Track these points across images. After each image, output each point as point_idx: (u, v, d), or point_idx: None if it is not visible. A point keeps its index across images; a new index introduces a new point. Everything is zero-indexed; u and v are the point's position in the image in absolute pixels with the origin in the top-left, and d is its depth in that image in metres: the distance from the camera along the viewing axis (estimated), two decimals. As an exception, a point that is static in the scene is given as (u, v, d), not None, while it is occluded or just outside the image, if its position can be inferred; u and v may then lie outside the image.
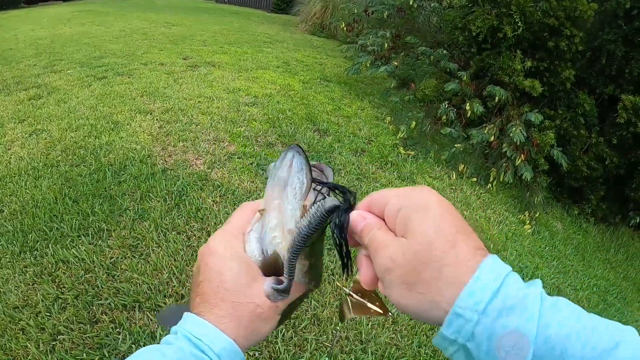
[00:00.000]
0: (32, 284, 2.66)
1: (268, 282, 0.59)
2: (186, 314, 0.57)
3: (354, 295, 0.58)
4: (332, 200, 0.56)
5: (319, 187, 0.63)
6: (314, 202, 0.59)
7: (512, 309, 0.42)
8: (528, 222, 5.29)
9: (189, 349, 0.52)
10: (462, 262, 0.45)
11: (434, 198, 0.50)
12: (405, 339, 2.68)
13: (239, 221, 0.64)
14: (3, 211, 3.33)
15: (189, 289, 2.69)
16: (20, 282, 2.67)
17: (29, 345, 2.26)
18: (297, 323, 2.60)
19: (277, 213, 0.60)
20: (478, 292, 0.43)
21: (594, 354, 0.40)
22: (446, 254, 0.45)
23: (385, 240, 0.50)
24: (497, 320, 0.42)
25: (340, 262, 0.60)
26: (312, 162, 0.63)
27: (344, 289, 0.60)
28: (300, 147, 0.61)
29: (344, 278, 0.60)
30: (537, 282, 0.47)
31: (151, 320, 2.47)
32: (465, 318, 0.43)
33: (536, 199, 5.61)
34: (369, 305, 0.58)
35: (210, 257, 0.60)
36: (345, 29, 9.81)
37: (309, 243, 0.55)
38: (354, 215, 0.55)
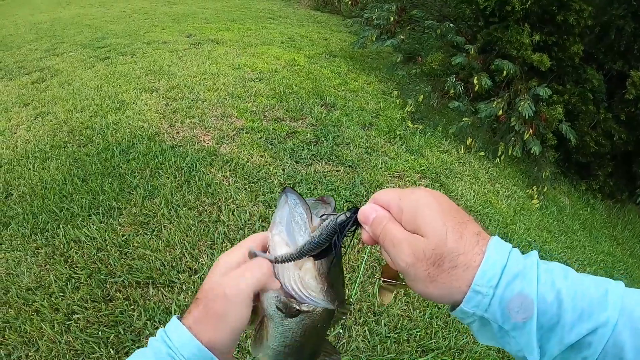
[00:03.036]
0: (45, 265, 2.65)
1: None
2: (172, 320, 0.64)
3: (388, 280, 0.67)
4: (341, 216, 0.61)
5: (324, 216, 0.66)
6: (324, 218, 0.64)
7: (516, 277, 0.50)
8: (536, 196, 5.24)
9: (165, 350, 0.61)
10: (470, 249, 0.52)
11: (432, 195, 0.57)
12: (417, 311, 2.67)
13: (242, 249, 0.68)
14: (12, 194, 3.31)
15: (202, 264, 2.68)
16: (33, 263, 2.65)
17: (43, 326, 2.25)
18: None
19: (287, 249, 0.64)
20: (490, 271, 0.51)
21: (583, 304, 0.49)
22: (458, 245, 0.52)
23: (401, 235, 0.56)
24: (506, 289, 0.50)
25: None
26: (315, 197, 0.70)
27: (380, 279, 0.67)
28: (291, 187, 0.66)
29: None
30: (533, 253, 0.54)
31: (165, 296, 2.45)
32: (482, 294, 0.51)
33: (544, 173, 5.55)
34: (401, 283, 0.65)
35: (217, 299, 0.63)
36: (349, 2, 9.66)
37: (315, 251, 0.61)
38: (365, 207, 0.60)
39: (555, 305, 0.49)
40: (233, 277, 0.63)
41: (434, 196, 0.56)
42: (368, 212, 0.60)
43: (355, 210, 0.61)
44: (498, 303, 0.50)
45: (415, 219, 0.55)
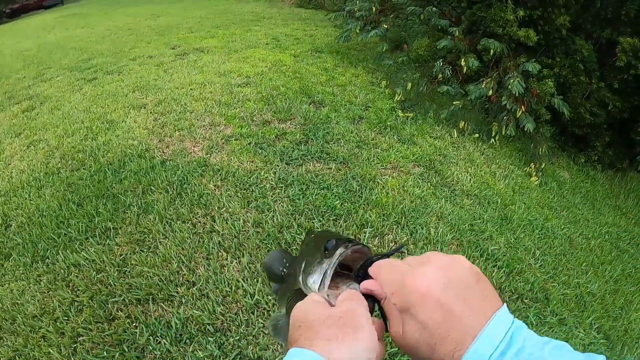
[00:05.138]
0: (48, 292, 2.69)
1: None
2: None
3: None
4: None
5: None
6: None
7: None
8: (534, 173, 5.23)
9: None
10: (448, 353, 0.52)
11: (418, 299, 0.55)
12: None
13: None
14: (11, 225, 3.35)
15: (199, 275, 2.71)
16: (36, 291, 2.70)
17: (51, 351, 2.29)
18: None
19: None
20: None
21: None
22: (438, 352, 0.53)
23: (390, 316, 0.59)
24: None
25: None
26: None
27: None
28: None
29: None
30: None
31: (166, 310, 2.48)
32: None
33: (541, 149, 5.52)
34: None
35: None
36: (331, -4, 9.67)
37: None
38: (367, 283, 0.64)
39: None
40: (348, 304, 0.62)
41: (422, 299, 0.55)
42: (367, 286, 0.63)
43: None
44: None
45: (403, 317, 0.57)
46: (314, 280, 0.66)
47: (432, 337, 0.53)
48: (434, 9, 6.46)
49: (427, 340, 0.54)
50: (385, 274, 0.61)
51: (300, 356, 0.52)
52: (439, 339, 0.53)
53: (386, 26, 6.70)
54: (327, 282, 0.65)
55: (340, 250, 0.66)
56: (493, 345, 0.50)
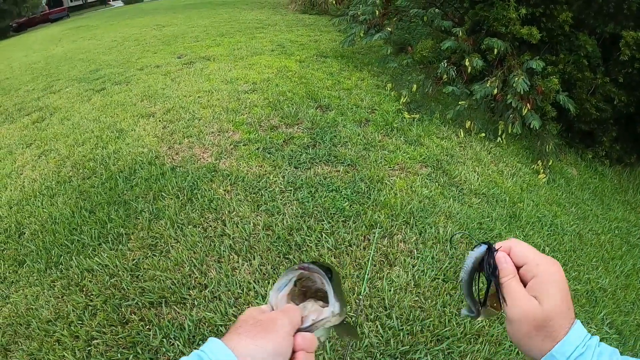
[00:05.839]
0: (62, 297, 2.73)
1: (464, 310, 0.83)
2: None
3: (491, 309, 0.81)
4: (480, 249, 0.76)
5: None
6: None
7: (582, 355, 0.64)
8: (542, 171, 5.20)
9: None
10: (560, 329, 0.66)
11: (562, 275, 0.70)
12: (429, 301, 2.68)
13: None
14: (24, 233, 3.41)
15: (211, 278, 2.74)
16: (50, 296, 2.74)
17: (65, 354, 2.32)
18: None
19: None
20: (566, 346, 0.65)
21: None
22: (558, 325, 0.67)
23: (521, 293, 0.70)
24: None
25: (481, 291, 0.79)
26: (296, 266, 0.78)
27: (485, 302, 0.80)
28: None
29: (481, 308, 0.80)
30: (595, 339, 0.67)
31: (178, 313, 2.51)
32: (556, 358, 0.65)
33: (547, 147, 5.48)
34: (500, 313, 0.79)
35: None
36: (334, 2, 9.70)
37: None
38: (499, 255, 0.74)
39: None
40: (275, 313, 0.69)
41: (563, 277, 0.70)
42: (500, 260, 0.74)
43: (489, 248, 0.75)
44: None
45: (543, 288, 0.69)
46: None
47: (567, 301, 0.68)
48: (437, 10, 6.47)
49: (564, 308, 0.67)
50: (530, 252, 0.73)
51: (211, 344, 0.61)
52: (569, 305, 0.68)
53: (390, 29, 6.72)
54: (273, 295, 0.75)
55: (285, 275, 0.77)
56: (580, 337, 0.66)
